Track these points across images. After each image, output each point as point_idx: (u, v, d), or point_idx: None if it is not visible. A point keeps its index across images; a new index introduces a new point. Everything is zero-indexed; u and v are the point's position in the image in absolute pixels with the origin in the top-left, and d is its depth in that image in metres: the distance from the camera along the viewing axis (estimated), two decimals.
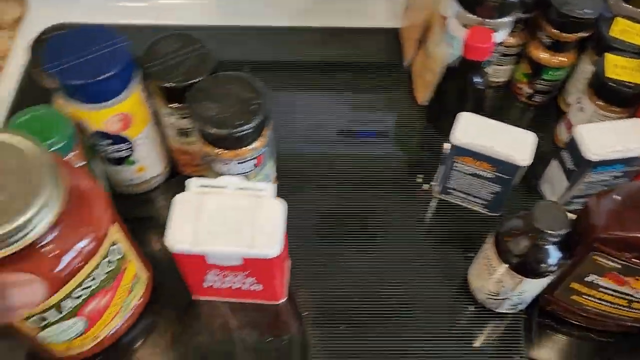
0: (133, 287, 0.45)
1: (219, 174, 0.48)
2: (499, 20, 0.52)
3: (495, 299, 0.48)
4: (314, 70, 0.69)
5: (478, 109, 0.53)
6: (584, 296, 0.46)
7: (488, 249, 0.46)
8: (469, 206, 0.56)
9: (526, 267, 0.43)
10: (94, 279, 0.38)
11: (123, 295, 0.44)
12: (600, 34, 0.54)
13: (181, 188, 0.44)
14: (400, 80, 0.67)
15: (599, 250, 0.41)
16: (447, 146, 0.49)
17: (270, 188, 0.44)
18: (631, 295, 0.44)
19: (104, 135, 0.48)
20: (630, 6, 0.57)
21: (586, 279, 0.44)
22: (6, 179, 0.32)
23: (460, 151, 0.50)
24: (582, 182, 0.51)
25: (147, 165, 0.54)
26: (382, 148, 0.62)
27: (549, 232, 0.40)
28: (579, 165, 0.50)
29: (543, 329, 0.50)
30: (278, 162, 0.54)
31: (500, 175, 0.50)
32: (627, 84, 0.50)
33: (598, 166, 0.49)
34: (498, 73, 0.63)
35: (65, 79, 0.43)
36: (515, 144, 0.48)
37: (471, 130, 0.49)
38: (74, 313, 0.39)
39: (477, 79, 0.53)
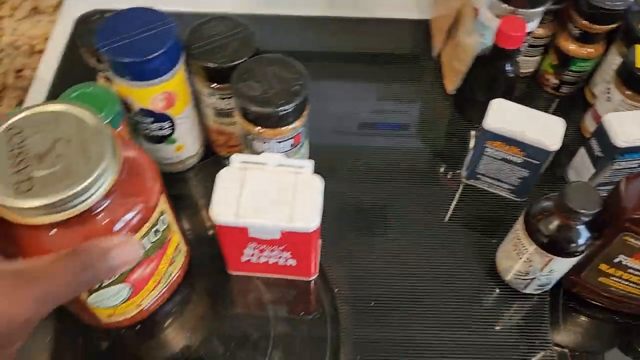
0: (175, 258, 0.47)
1: (257, 153, 0.50)
2: (531, 10, 0.54)
3: (523, 279, 0.50)
4: (342, 60, 0.71)
5: (507, 97, 0.54)
6: (611, 277, 0.47)
7: (518, 229, 0.47)
8: (496, 191, 0.58)
9: (556, 246, 0.44)
10: (143, 247, 0.40)
11: (166, 264, 0.45)
12: (629, 25, 0.56)
13: (215, 169, 0.46)
14: (429, 70, 0.69)
15: (630, 231, 0.42)
16: (474, 133, 0.51)
17: (309, 165, 0.46)
18: None
19: (149, 113, 0.50)
20: None
21: (615, 260, 0.45)
22: (68, 146, 0.33)
23: (492, 136, 0.51)
24: (608, 170, 0.53)
25: (186, 144, 0.56)
26: (411, 136, 0.63)
27: (582, 211, 0.41)
28: (607, 152, 0.51)
29: (567, 311, 0.52)
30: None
31: (530, 160, 0.52)
32: None
33: (625, 153, 0.50)
34: (525, 64, 0.65)
35: (118, 57, 0.45)
36: (545, 129, 0.50)
37: (503, 115, 0.51)
38: (122, 279, 0.41)
39: (508, 67, 0.55)
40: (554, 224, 0.44)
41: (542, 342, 0.50)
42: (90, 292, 0.40)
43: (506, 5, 0.54)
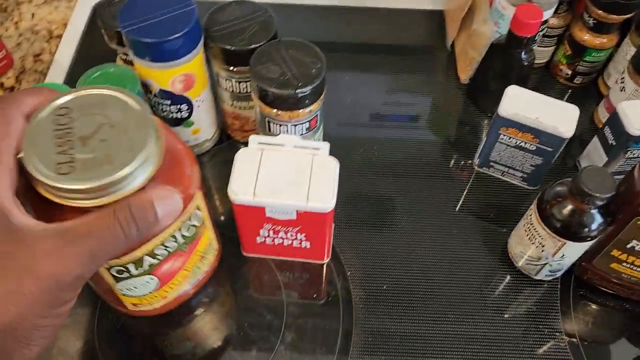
0: (205, 255, 0.46)
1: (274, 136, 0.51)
2: None
3: (535, 265, 0.50)
4: (355, 50, 0.71)
5: (521, 86, 0.54)
6: (623, 264, 0.48)
7: (531, 214, 0.48)
8: (508, 180, 0.58)
9: (569, 230, 0.45)
10: (175, 240, 0.39)
11: (195, 260, 0.45)
12: None
13: (230, 153, 0.47)
14: (442, 61, 0.69)
15: None
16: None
17: (325, 146, 0.47)
18: None
19: (168, 94, 0.51)
20: None
21: (627, 245, 0.46)
22: (111, 131, 0.32)
23: (506, 122, 0.52)
24: (621, 158, 0.53)
25: (202, 127, 0.56)
26: (424, 125, 0.64)
27: (596, 195, 0.42)
28: (620, 140, 0.51)
29: (578, 299, 0.52)
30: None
31: (543, 147, 0.52)
32: None
33: (639, 141, 0.51)
34: (539, 54, 0.65)
35: (139, 37, 0.46)
36: (560, 116, 0.50)
37: (517, 102, 0.51)
38: (149, 271, 0.40)
39: (523, 55, 0.55)
40: (568, 208, 0.44)
41: (552, 330, 0.50)
42: (118, 280, 0.39)
43: None
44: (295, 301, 0.51)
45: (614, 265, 0.48)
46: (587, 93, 0.65)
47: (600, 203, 0.43)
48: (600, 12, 0.57)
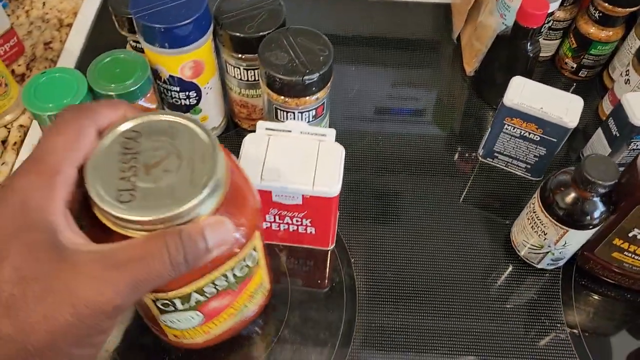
0: (254, 294, 0.43)
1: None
2: None
3: (537, 253, 0.51)
4: (361, 43, 0.72)
5: (526, 77, 0.55)
6: (625, 253, 0.48)
7: (534, 202, 0.48)
8: (512, 170, 0.59)
9: (572, 218, 0.45)
10: (226, 279, 0.37)
11: (244, 299, 0.43)
12: None
13: (237, 141, 0.47)
14: (448, 53, 0.70)
15: None
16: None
17: (331, 133, 0.47)
18: None
19: (177, 81, 0.52)
20: None
21: (630, 234, 0.46)
22: (177, 162, 0.31)
23: (511, 112, 0.52)
24: (625, 150, 0.53)
25: (210, 115, 0.57)
26: (429, 118, 0.65)
27: (599, 182, 0.42)
28: (624, 132, 0.52)
29: (580, 289, 0.53)
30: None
31: (547, 137, 0.53)
32: None
33: None
34: (545, 48, 0.65)
35: (150, 23, 0.47)
36: (564, 107, 0.51)
37: (522, 92, 0.52)
38: (196, 307, 0.38)
39: (529, 47, 0.56)
40: (571, 196, 0.45)
41: (554, 321, 0.50)
42: (163, 312, 0.37)
43: None
44: (299, 287, 0.52)
45: (615, 255, 0.49)
46: (591, 86, 0.66)
47: (603, 191, 0.43)
48: (606, 4, 0.57)
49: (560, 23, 0.62)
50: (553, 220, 0.46)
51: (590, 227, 0.46)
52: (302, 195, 0.46)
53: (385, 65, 0.69)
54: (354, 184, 0.58)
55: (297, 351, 0.48)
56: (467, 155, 0.61)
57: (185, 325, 0.40)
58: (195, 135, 0.32)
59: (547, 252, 0.50)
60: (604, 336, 0.50)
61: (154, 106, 0.51)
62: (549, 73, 0.67)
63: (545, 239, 0.48)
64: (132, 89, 0.48)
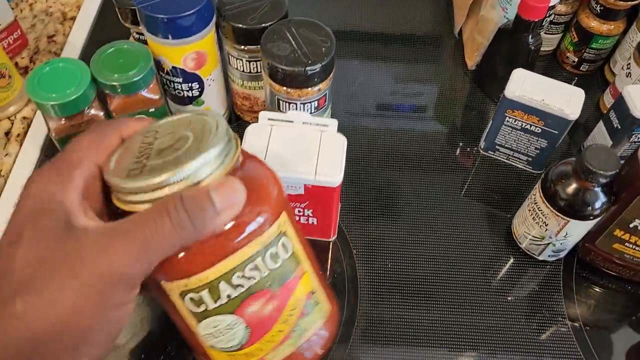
0: (308, 310, 0.37)
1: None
2: None
3: (538, 244, 0.51)
4: (363, 38, 0.72)
5: (528, 70, 0.55)
6: (626, 244, 0.48)
7: (535, 194, 0.48)
8: (513, 163, 0.59)
9: (573, 209, 0.46)
10: (256, 269, 0.33)
11: (294, 312, 0.36)
12: None
13: (239, 134, 0.46)
14: (450, 48, 0.70)
15: None
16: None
17: (333, 123, 0.47)
18: None
19: (180, 72, 0.52)
20: None
21: (631, 225, 0.46)
22: (186, 143, 0.31)
23: (512, 104, 0.52)
24: (625, 142, 0.54)
25: (213, 107, 0.57)
26: (430, 112, 0.65)
27: (600, 172, 0.42)
28: (625, 124, 0.52)
29: (581, 280, 0.53)
30: None
31: (548, 129, 0.53)
32: None
33: None
34: (546, 42, 0.66)
35: (153, 13, 0.47)
36: (565, 99, 0.51)
37: (524, 84, 0.52)
38: (232, 307, 0.34)
39: (530, 39, 0.56)
40: (572, 187, 0.45)
41: (555, 314, 0.51)
42: (200, 319, 0.34)
43: None
44: None
45: (616, 246, 0.49)
46: (593, 81, 0.66)
47: (604, 181, 0.43)
48: None
49: (561, 17, 0.63)
50: (554, 211, 0.47)
51: (591, 217, 0.46)
52: (305, 185, 0.46)
53: (386, 59, 0.70)
54: (356, 177, 0.59)
55: None
56: (468, 148, 0.61)
57: (232, 341, 0.35)
58: (205, 120, 0.33)
59: (548, 244, 0.50)
60: (606, 329, 0.50)
61: (156, 97, 0.51)
62: (550, 67, 0.68)
63: (546, 230, 0.49)
64: (135, 79, 0.49)
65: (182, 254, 0.30)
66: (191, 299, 0.33)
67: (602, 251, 0.50)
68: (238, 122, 0.62)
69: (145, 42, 0.52)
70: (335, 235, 0.54)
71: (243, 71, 0.55)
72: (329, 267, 0.53)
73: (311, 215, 0.50)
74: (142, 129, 0.34)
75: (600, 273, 0.53)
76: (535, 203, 0.48)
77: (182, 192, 0.28)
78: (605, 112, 0.56)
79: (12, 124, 0.62)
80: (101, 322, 0.28)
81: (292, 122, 0.48)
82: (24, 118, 0.62)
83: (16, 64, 0.66)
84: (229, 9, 0.51)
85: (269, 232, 0.33)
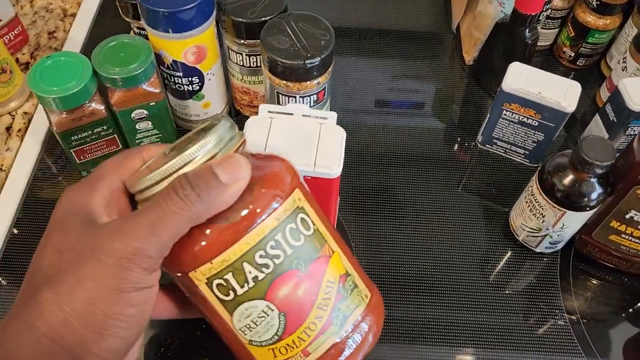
0: (346, 293, 0.36)
1: None
2: None
3: (535, 236, 0.51)
4: (361, 35, 0.72)
5: (525, 64, 0.56)
6: (622, 235, 0.49)
7: (532, 185, 0.49)
8: (510, 157, 0.60)
9: (569, 200, 0.46)
10: (278, 246, 0.33)
11: (330, 295, 0.35)
12: None
13: (239, 128, 0.48)
14: (448, 44, 0.71)
15: None
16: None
17: (333, 116, 0.48)
18: None
19: (180, 66, 0.52)
20: None
21: (627, 216, 0.47)
22: (195, 142, 0.32)
23: (509, 98, 0.53)
24: (622, 135, 0.54)
25: (213, 101, 0.58)
26: (429, 108, 0.65)
27: (596, 162, 0.43)
28: (621, 117, 0.52)
29: (578, 272, 0.53)
30: None
31: (545, 122, 0.53)
32: None
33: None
34: (543, 37, 0.66)
35: (155, 7, 0.47)
36: (562, 92, 0.52)
37: (521, 78, 0.52)
38: (261, 291, 0.33)
39: (527, 33, 0.57)
40: (568, 178, 0.46)
41: (552, 307, 0.51)
42: (228, 305, 0.33)
43: None
44: None
45: (613, 237, 0.50)
46: (589, 75, 0.67)
47: (600, 171, 0.44)
48: None
49: (558, 12, 0.63)
50: (551, 202, 0.47)
51: (588, 208, 0.46)
52: (304, 177, 0.46)
53: (384, 55, 0.70)
54: (355, 172, 0.59)
55: None
56: (466, 143, 0.62)
57: (269, 332, 0.34)
58: (217, 123, 0.33)
59: (545, 235, 0.50)
60: (603, 321, 0.51)
61: (157, 90, 0.52)
62: (547, 62, 0.68)
63: (543, 221, 0.49)
64: (135, 72, 0.49)
65: (201, 238, 0.31)
66: (218, 285, 0.33)
67: (598, 243, 0.51)
68: (238, 117, 0.63)
69: (146, 37, 0.53)
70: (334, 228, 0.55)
71: (243, 65, 0.56)
72: None
73: None
74: (163, 149, 0.35)
75: (597, 265, 0.53)
76: (533, 195, 0.49)
77: (187, 171, 0.30)
78: (602, 105, 0.56)
79: (13, 119, 0.62)
80: (123, 304, 0.29)
81: (291, 114, 0.48)
82: (25, 113, 0.62)
83: (17, 60, 0.67)
84: (229, 3, 0.52)
85: (283, 208, 0.33)
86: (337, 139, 0.47)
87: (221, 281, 0.32)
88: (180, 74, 0.53)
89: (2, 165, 0.58)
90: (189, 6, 0.48)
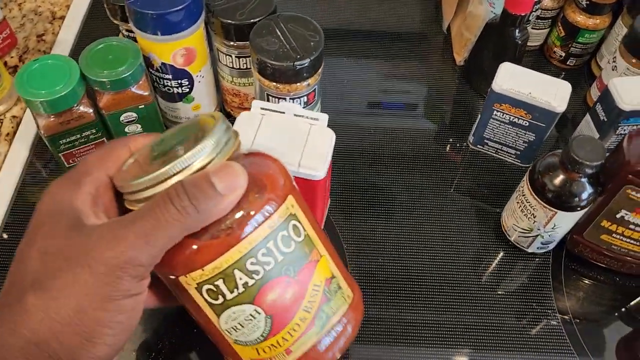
0: (330, 295, 0.37)
1: None
2: None
3: (527, 237, 0.51)
4: (350, 36, 0.72)
5: (515, 64, 0.56)
6: (613, 235, 0.49)
7: (523, 186, 0.49)
8: (501, 157, 0.60)
9: (560, 200, 0.46)
10: (269, 254, 0.33)
11: (315, 298, 0.36)
12: None
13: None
14: (439, 44, 0.71)
15: (632, 183, 0.44)
16: None
17: (324, 117, 0.48)
18: None
19: (169, 68, 0.52)
20: None
21: (617, 215, 0.47)
22: (186, 143, 0.32)
23: (500, 98, 0.53)
24: (612, 134, 0.54)
25: (203, 104, 0.58)
26: (420, 109, 0.65)
27: (586, 162, 0.43)
28: (611, 116, 0.52)
29: (570, 272, 0.53)
30: None
31: (536, 123, 0.53)
32: None
33: (630, 117, 0.52)
34: (533, 37, 0.66)
35: (142, 9, 0.47)
36: (552, 92, 0.52)
37: (511, 78, 0.52)
38: (250, 296, 0.33)
39: (517, 34, 0.57)
40: (559, 178, 0.46)
41: (545, 308, 0.51)
42: (216, 308, 0.34)
43: None
44: None
45: (604, 237, 0.50)
46: (580, 75, 0.67)
47: (590, 171, 0.44)
48: None
49: (548, 12, 0.63)
50: (542, 203, 0.47)
51: (579, 208, 0.46)
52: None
53: (375, 56, 0.70)
54: (347, 173, 0.59)
55: None
56: (458, 144, 0.62)
57: (253, 334, 0.35)
58: (207, 120, 0.33)
59: (537, 236, 0.50)
60: (595, 321, 0.51)
61: (146, 93, 0.52)
62: (537, 62, 0.68)
63: (534, 222, 0.49)
64: (124, 75, 0.49)
65: (193, 246, 0.31)
66: (208, 290, 0.33)
67: (590, 243, 0.51)
68: (228, 119, 0.62)
69: (134, 39, 0.52)
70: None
71: (232, 67, 0.55)
72: None
73: None
74: (151, 140, 0.35)
75: (589, 265, 0.53)
76: (524, 195, 0.49)
77: (183, 179, 0.29)
78: (592, 105, 0.56)
79: (2, 123, 0.61)
80: (113, 312, 0.28)
81: (283, 113, 0.48)
82: (14, 117, 0.62)
83: (5, 63, 0.66)
84: (217, 5, 0.51)
85: (276, 215, 0.33)
86: (326, 141, 0.47)
87: (211, 287, 0.32)
88: (170, 77, 0.53)
89: None
90: (177, 8, 0.47)
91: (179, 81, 0.54)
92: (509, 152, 0.58)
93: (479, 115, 0.57)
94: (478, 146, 0.60)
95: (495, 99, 0.53)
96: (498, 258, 0.54)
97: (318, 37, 0.49)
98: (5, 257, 0.52)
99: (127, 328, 0.30)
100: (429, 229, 0.55)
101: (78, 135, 0.52)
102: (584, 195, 0.46)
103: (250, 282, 0.32)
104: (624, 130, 0.53)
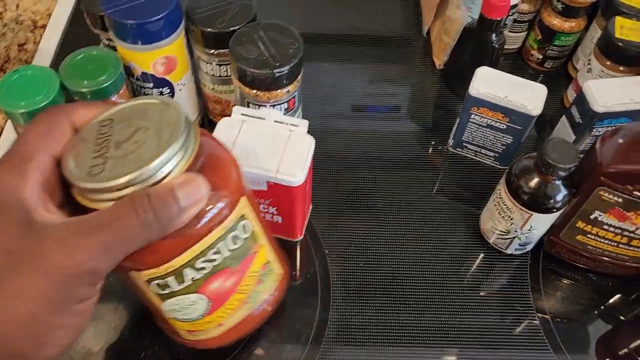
0: (264, 278, 0.41)
1: None
2: None
3: (505, 238, 0.52)
4: (331, 40, 0.73)
5: (493, 67, 0.57)
6: (588, 235, 0.50)
7: (500, 188, 0.50)
8: (481, 160, 0.60)
9: (535, 202, 0.47)
10: (218, 252, 0.35)
11: (251, 283, 0.40)
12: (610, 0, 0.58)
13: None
14: (419, 49, 0.72)
15: (605, 185, 0.45)
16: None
17: (304, 124, 0.48)
18: (631, 232, 0.48)
19: (150, 77, 0.52)
20: None
21: (591, 216, 0.48)
22: (145, 134, 0.32)
23: (477, 102, 0.54)
24: (588, 136, 0.55)
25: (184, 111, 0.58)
26: (401, 112, 0.66)
27: (560, 165, 0.44)
28: (586, 118, 0.54)
29: (548, 273, 0.54)
30: None
31: (513, 125, 0.54)
32: (635, 43, 0.54)
33: (604, 119, 0.53)
34: (511, 40, 0.67)
35: (122, 19, 0.47)
36: (528, 95, 0.53)
37: (488, 82, 0.53)
38: (195, 287, 0.36)
39: (494, 38, 0.57)
40: (534, 180, 0.46)
41: (524, 307, 0.52)
42: (162, 297, 0.36)
43: None
44: None
45: (579, 237, 0.51)
46: (557, 77, 0.68)
47: (563, 174, 0.45)
48: None
49: (525, 15, 0.64)
50: (518, 205, 0.48)
51: (554, 210, 0.47)
52: (267, 182, 0.47)
53: (356, 61, 0.71)
54: (329, 178, 0.59)
55: (273, 342, 0.49)
56: (439, 147, 0.63)
57: (193, 314, 0.38)
58: (163, 109, 0.33)
59: (514, 237, 0.51)
60: (573, 321, 0.52)
61: None
62: (516, 65, 0.69)
63: (511, 224, 0.50)
64: (104, 85, 0.49)
65: (149, 250, 0.31)
66: (157, 284, 0.34)
67: (566, 243, 0.52)
68: (210, 126, 0.63)
69: (114, 49, 0.52)
70: (302, 236, 0.55)
71: (214, 75, 0.56)
72: (298, 267, 0.54)
73: (275, 213, 0.51)
74: (95, 116, 0.34)
75: (566, 265, 0.54)
76: (501, 198, 0.50)
77: (149, 191, 0.29)
78: (568, 107, 0.57)
79: None
80: (66, 315, 0.28)
81: (264, 119, 0.48)
82: None
83: None
84: (197, 13, 0.52)
85: (230, 218, 0.35)
86: (305, 147, 0.47)
87: (160, 282, 0.34)
88: (150, 85, 0.53)
89: None
90: (157, 17, 0.48)
91: (160, 90, 0.54)
92: (487, 155, 0.59)
93: (458, 119, 0.58)
94: (458, 149, 0.61)
95: (473, 102, 0.54)
96: (478, 259, 0.55)
97: (297, 45, 0.50)
98: None
99: (78, 328, 0.30)
100: (411, 231, 0.56)
101: None
102: (559, 197, 0.47)
103: (198, 276, 0.35)
104: (599, 131, 0.54)
